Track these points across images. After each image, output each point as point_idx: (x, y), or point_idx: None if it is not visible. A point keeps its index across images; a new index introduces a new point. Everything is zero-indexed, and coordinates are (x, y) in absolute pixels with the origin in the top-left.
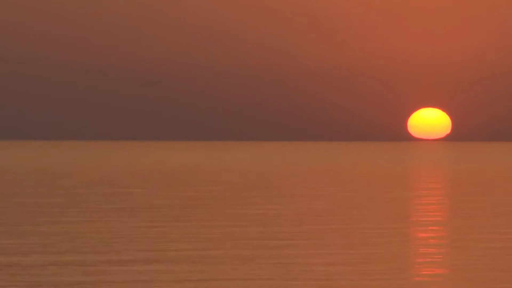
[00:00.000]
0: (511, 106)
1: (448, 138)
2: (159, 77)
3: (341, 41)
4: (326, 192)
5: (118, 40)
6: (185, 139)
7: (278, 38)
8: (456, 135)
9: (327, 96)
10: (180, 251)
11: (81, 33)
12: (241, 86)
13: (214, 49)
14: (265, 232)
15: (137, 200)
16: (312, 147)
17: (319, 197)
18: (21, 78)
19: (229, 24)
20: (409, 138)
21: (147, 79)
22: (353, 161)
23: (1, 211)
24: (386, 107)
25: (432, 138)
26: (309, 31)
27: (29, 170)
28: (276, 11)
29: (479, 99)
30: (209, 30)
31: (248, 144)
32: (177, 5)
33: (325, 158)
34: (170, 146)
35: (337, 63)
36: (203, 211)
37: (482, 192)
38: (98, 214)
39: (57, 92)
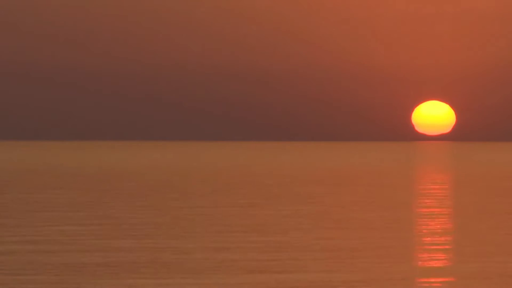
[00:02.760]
0: None
1: (453, 132)
2: (158, 76)
3: (337, 39)
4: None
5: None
6: (186, 139)
7: (278, 38)
8: (461, 127)
9: (326, 95)
10: None
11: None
12: (243, 87)
13: (215, 49)
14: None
15: None
16: (318, 147)
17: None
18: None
19: (228, 24)
20: (414, 133)
21: (149, 79)
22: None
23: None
24: (387, 104)
25: (437, 133)
26: (308, 30)
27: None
28: (277, 11)
29: (480, 89)
30: (208, 29)
31: (253, 144)
32: (172, 4)
33: (339, 159)
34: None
35: (334, 62)
36: None
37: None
38: None
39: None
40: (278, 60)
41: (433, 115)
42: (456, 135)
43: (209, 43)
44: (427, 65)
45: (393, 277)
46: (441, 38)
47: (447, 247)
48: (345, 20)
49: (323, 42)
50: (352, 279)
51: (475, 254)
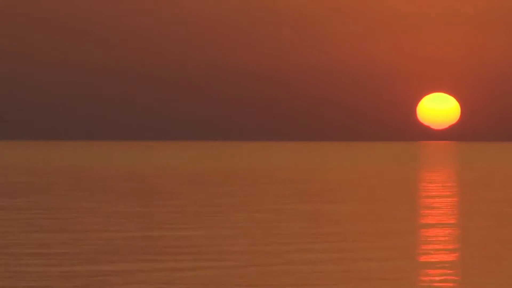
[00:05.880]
0: None
1: (458, 124)
2: (160, 76)
3: (337, 39)
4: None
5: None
6: (185, 138)
7: (279, 38)
8: (466, 120)
9: (328, 95)
10: None
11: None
12: (245, 86)
13: (217, 48)
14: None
15: None
16: (324, 147)
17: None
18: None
19: (229, 24)
20: (419, 127)
21: (150, 78)
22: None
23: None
24: (390, 101)
25: (442, 127)
26: (309, 29)
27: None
28: (278, 11)
29: (484, 81)
30: (208, 29)
31: (262, 145)
32: (173, 4)
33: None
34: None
35: (334, 61)
36: None
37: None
38: None
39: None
40: (280, 59)
41: (438, 109)
42: (461, 129)
43: (211, 42)
44: (429, 61)
45: None
46: (441, 35)
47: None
48: (346, 19)
49: (325, 41)
50: None
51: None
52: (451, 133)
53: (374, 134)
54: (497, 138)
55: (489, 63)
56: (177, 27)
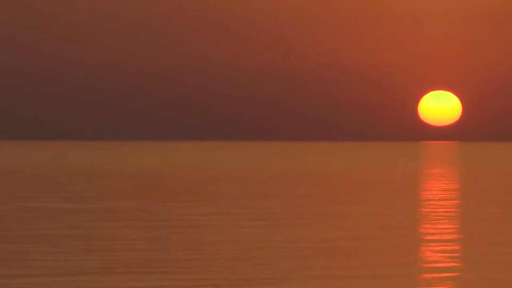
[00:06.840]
0: None
1: (460, 122)
2: (160, 75)
3: (337, 40)
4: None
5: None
6: (185, 139)
7: (280, 37)
8: (467, 118)
9: (327, 94)
10: None
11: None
12: (246, 85)
13: (218, 48)
14: None
15: None
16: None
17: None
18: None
19: (230, 24)
20: (420, 126)
21: (151, 77)
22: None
23: None
24: (391, 99)
25: (444, 124)
26: (308, 29)
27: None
28: (279, 11)
29: (486, 78)
30: (209, 29)
31: (270, 145)
32: (170, 3)
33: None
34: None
35: (333, 62)
36: None
37: None
38: None
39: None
40: (280, 59)
41: (439, 107)
42: (462, 127)
43: (214, 42)
44: (430, 58)
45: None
46: (440, 36)
47: None
48: (346, 17)
49: (325, 40)
50: None
51: None
52: (452, 132)
53: (374, 134)
54: (498, 137)
55: (491, 61)
56: (184, 27)
